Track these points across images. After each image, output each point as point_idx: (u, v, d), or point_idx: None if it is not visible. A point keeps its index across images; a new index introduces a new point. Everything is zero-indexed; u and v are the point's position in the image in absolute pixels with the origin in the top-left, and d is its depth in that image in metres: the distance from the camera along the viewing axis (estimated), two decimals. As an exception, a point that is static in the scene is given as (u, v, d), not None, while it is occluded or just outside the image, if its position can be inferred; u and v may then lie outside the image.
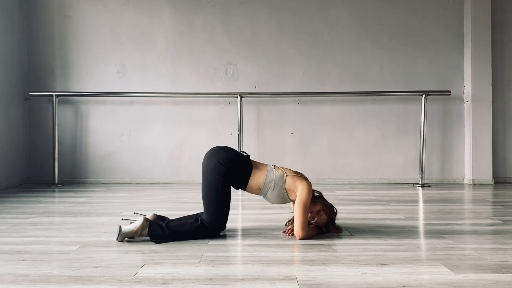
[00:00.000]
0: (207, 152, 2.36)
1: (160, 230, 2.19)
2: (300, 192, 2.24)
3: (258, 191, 2.32)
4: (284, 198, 2.32)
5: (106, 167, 4.73)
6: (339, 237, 2.29)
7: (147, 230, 2.17)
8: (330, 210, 2.32)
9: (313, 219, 2.30)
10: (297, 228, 2.22)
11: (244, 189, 2.34)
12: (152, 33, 4.73)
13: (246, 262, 1.87)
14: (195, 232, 2.23)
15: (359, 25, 4.75)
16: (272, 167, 2.35)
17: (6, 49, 4.37)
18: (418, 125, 4.67)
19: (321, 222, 2.31)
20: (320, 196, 2.38)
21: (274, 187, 2.28)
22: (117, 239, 2.19)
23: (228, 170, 2.24)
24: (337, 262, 1.86)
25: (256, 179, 2.29)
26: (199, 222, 2.24)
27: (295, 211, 2.24)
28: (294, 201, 2.30)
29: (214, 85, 4.73)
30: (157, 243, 2.16)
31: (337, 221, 2.58)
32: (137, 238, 2.23)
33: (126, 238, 2.20)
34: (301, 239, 2.21)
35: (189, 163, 4.73)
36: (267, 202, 2.55)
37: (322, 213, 2.29)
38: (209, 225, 2.23)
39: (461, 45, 4.74)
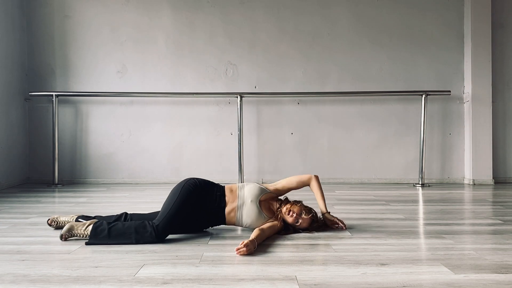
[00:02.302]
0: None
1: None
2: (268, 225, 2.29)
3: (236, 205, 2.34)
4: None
5: (106, 167, 4.73)
6: (337, 236, 2.29)
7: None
8: (312, 217, 2.37)
9: (298, 222, 2.33)
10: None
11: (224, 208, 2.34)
12: (152, 33, 4.73)
13: (246, 262, 1.87)
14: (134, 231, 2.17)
15: (359, 25, 4.75)
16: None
17: (6, 49, 4.37)
18: (418, 125, 4.67)
19: (305, 224, 2.35)
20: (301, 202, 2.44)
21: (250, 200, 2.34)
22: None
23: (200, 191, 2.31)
24: (337, 262, 1.86)
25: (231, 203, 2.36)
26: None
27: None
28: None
29: (214, 85, 4.73)
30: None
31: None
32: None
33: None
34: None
35: (189, 163, 4.73)
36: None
37: (304, 213, 2.34)
38: (155, 227, 2.18)
39: (461, 45, 4.74)
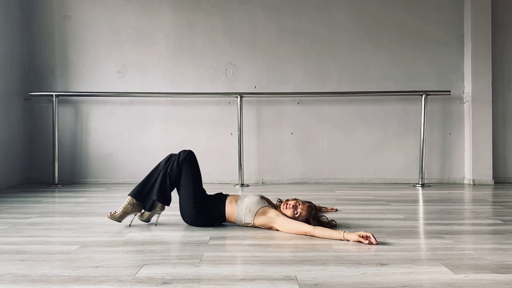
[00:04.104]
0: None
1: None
2: (280, 219, 2.39)
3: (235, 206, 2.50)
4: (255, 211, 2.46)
5: (106, 167, 4.73)
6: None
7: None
8: (309, 204, 2.47)
9: (297, 213, 2.40)
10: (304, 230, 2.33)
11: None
12: (152, 33, 4.73)
13: (246, 262, 1.87)
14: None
15: (359, 25, 4.75)
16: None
17: (6, 49, 4.37)
18: (418, 125, 4.67)
19: (304, 212, 2.41)
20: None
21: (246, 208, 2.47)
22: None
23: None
24: (337, 262, 1.86)
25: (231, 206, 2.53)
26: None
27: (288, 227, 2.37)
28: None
29: (214, 85, 4.73)
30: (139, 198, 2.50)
31: (337, 221, 2.59)
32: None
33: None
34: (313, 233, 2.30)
35: (189, 163, 4.72)
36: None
37: (300, 204, 2.44)
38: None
39: (461, 45, 4.74)
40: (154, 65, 4.73)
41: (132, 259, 1.90)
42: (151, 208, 2.52)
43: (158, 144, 4.74)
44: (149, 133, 4.74)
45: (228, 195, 2.58)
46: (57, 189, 4.24)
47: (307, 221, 2.39)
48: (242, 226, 2.50)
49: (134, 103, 4.75)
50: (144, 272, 1.73)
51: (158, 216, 2.60)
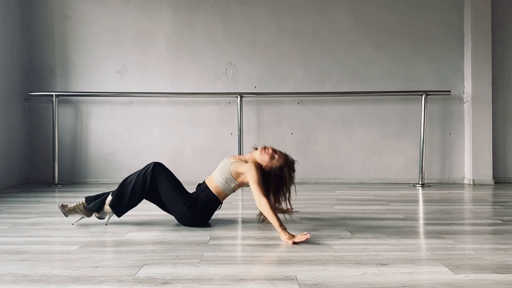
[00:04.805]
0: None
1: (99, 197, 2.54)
2: (249, 174, 2.39)
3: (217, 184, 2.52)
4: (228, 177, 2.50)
5: (106, 167, 4.73)
6: (337, 236, 2.29)
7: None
8: (287, 154, 2.54)
9: (274, 158, 2.46)
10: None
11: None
12: (152, 33, 4.73)
13: (246, 262, 1.87)
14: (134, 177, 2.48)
15: (359, 25, 4.75)
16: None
17: (6, 49, 4.37)
18: (418, 125, 4.67)
19: (282, 160, 2.47)
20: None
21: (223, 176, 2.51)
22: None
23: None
24: (337, 262, 1.86)
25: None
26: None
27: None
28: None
29: (214, 85, 4.73)
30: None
31: (337, 221, 2.59)
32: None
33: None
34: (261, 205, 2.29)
35: (189, 163, 4.73)
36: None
37: (278, 152, 2.50)
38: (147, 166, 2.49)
39: (461, 45, 4.74)
40: (154, 65, 4.73)
41: (132, 259, 1.90)
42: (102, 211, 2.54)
43: (158, 144, 4.74)
44: (149, 133, 4.74)
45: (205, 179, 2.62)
46: (57, 189, 4.24)
47: (281, 168, 2.45)
48: (234, 192, 2.55)
49: (134, 103, 4.75)
50: (144, 272, 1.73)
51: (110, 216, 2.57)
